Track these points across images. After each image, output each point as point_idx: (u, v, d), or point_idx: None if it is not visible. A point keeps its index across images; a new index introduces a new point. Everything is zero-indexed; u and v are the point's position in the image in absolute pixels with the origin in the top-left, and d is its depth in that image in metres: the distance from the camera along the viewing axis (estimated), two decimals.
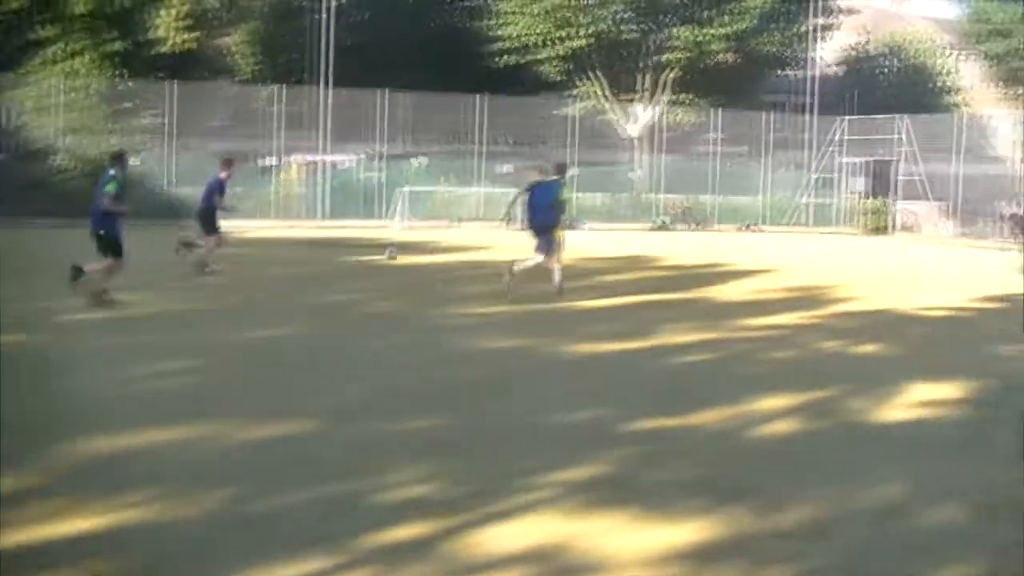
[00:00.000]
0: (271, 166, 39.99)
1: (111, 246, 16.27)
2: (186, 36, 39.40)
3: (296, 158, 40.75)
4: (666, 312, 17.49)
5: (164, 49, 39.16)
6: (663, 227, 41.85)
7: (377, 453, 8.48)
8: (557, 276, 18.35)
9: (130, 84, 39.15)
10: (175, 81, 38.96)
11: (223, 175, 21.15)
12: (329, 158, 39.98)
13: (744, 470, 8.36)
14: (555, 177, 19.04)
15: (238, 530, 6.68)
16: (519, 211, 20.57)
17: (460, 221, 38.16)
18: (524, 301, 18.06)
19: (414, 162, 41.10)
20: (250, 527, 6.74)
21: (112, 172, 16.48)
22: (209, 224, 20.99)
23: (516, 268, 18.27)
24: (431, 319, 15.85)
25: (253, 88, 43.53)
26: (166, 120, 38.98)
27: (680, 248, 31.75)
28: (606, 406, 10.45)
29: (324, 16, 39.50)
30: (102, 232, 16.22)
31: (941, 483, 8.15)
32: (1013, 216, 40.92)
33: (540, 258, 18.28)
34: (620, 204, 45.00)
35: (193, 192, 25.33)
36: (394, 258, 25.36)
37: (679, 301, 18.96)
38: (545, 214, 18.37)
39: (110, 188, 16.14)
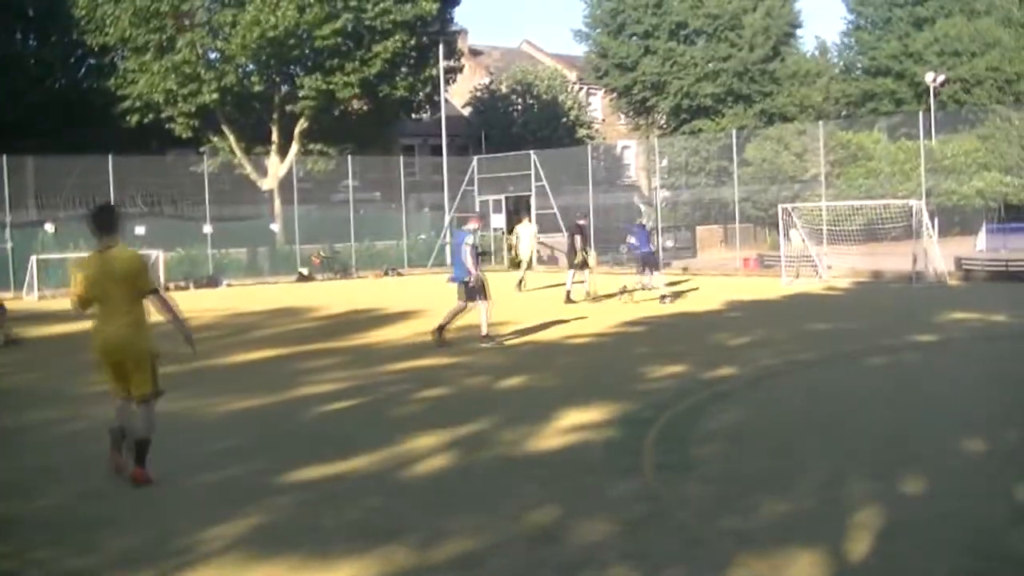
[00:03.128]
0: None
1: (480, 291, 19.20)
2: None
3: None
4: (316, 361, 17.49)
5: None
6: (305, 278, 41.70)
7: (19, 532, 8.14)
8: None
9: None
10: None
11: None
12: None
13: (399, 509, 8.47)
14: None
15: None
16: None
17: None
18: (171, 361, 17.69)
19: (45, 228, 39.27)
20: None
21: (470, 228, 19.92)
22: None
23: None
24: (74, 390, 15.26)
25: None
26: None
27: (324, 298, 31.73)
28: (259, 459, 10.38)
29: None
30: (468, 281, 19.17)
31: (591, 503, 8.46)
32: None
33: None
34: (261, 258, 44.62)
35: None
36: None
37: (327, 350, 18.98)
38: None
39: (470, 240, 19.25)
